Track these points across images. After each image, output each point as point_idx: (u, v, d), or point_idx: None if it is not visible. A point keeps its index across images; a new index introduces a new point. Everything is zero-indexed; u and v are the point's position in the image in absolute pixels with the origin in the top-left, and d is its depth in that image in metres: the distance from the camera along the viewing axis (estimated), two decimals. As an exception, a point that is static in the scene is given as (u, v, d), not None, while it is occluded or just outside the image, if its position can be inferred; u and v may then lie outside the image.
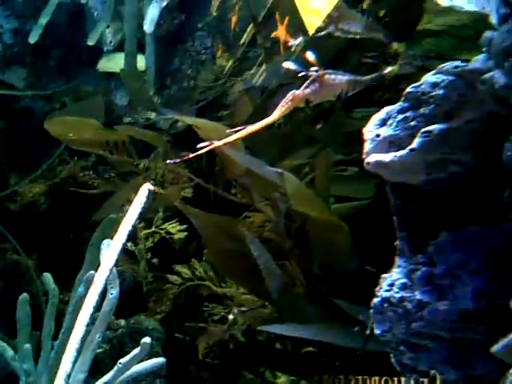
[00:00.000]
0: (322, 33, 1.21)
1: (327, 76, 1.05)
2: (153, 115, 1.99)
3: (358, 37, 1.22)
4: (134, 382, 1.59)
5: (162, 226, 2.06)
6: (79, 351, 1.11)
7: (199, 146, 1.09)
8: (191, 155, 1.09)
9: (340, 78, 1.06)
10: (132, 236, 1.27)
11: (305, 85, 1.05)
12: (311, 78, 1.04)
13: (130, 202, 2.03)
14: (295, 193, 1.57)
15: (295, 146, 1.77)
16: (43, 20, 1.79)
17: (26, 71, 2.05)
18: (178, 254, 2.09)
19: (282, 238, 1.72)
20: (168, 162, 1.14)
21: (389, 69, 1.09)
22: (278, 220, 1.71)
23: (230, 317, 1.29)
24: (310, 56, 1.06)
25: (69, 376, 1.07)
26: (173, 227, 2.05)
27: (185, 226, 2.02)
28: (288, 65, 1.09)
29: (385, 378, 1.01)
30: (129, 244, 1.95)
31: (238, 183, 1.85)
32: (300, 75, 1.05)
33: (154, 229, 2.06)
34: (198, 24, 1.98)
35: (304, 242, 1.70)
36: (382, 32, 1.18)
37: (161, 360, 1.53)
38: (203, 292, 2.06)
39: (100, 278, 1.16)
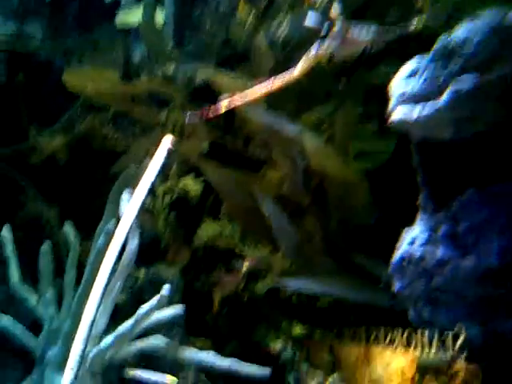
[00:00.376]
0: None
1: (352, 29, 1.02)
2: (171, 70, 1.97)
3: None
4: (154, 329, 1.63)
5: (179, 183, 2.07)
6: (102, 300, 1.13)
7: (221, 98, 1.06)
8: (211, 112, 1.07)
9: (365, 31, 1.03)
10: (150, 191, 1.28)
11: (328, 39, 1.02)
12: (335, 32, 1.01)
13: (148, 154, 2.06)
14: (314, 152, 1.55)
15: (314, 100, 1.75)
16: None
17: (44, 24, 2.02)
18: (195, 209, 2.10)
19: (300, 194, 1.72)
20: (189, 113, 1.11)
21: (414, 23, 1.05)
22: (297, 176, 1.71)
23: (244, 266, 1.30)
24: (336, 8, 1.02)
25: (93, 322, 1.10)
26: (189, 182, 2.06)
27: (201, 180, 2.02)
28: (311, 19, 1.04)
29: (408, 330, 1.02)
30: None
31: (257, 139, 1.84)
32: (323, 29, 1.01)
33: (170, 185, 2.07)
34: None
35: (322, 199, 1.70)
36: None
37: (180, 308, 1.55)
38: (220, 244, 2.09)
39: (121, 231, 1.17)
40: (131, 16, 1.93)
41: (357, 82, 1.50)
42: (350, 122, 1.59)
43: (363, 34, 1.02)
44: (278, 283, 1.62)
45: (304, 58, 1.04)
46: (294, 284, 1.61)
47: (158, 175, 1.26)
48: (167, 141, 1.26)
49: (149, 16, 1.75)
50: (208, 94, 1.93)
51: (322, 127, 1.69)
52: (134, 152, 1.99)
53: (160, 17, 1.82)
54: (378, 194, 1.57)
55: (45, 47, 2.07)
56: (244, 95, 1.07)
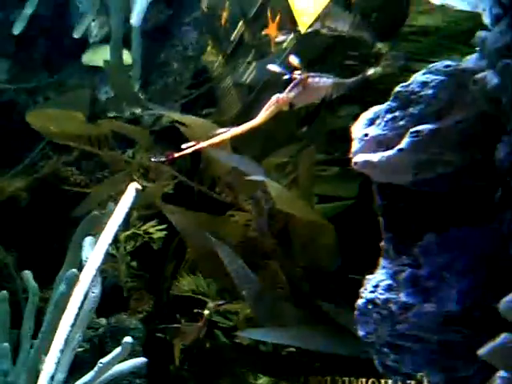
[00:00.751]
0: (309, 29, 1.20)
1: (311, 79, 1.06)
2: (138, 110, 1.97)
3: (343, 34, 1.22)
4: (115, 381, 1.57)
5: (142, 228, 2.04)
6: (63, 352, 1.08)
7: (184, 146, 1.08)
8: (176, 154, 1.08)
9: (324, 81, 1.07)
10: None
11: (289, 88, 1.05)
12: (295, 82, 1.05)
13: (111, 198, 2.03)
14: (278, 195, 1.56)
15: (278, 143, 1.77)
16: (28, 11, 1.76)
17: (9, 63, 2.01)
18: (158, 255, 2.07)
19: (265, 237, 1.71)
20: (153, 159, 1.12)
21: (372, 70, 1.09)
22: (261, 219, 1.70)
23: (206, 312, 1.27)
24: (294, 60, 1.06)
25: (52, 377, 1.05)
26: (152, 227, 2.03)
27: (164, 225, 2.01)
28: (273, 67, 1.09)
29: (372, 379, 1.00)
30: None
31: (222, 181, 1.84)
32: (285, 78, 1.05)
33: (133, 230, 2.04)
34: (185, 19, 1.97)
35: (287, 242, 1.69)
36: (368, 31, 1.17)
37: (141, 360, 1.52)
38: (182, 291, 2.05)
39: (86, 277, 1.14)
40: (99, 56, 1.93)
41: (319, 125, 1.52)
42: (312, 164, 1.61)
43: (322, 83, 1.06)
44: (241, 333, 1.60)
45: (266, 105, 1.06)
46: (256, 335, 1.59)
47: (123, 222, 1.24)
48: (133, 187, 1.25)
49: (116, 57, 1.76)
50: (174, 136, 1.93)
51: (285, 170, 1.70)
52: (96, 195, 1.96)
53: (127, 57, 1.83)
54: (343, 237, 1.57)
55: (10, 87, 2.05)
56: (208, 139, 1.09)
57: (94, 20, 1.80)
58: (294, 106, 1.05)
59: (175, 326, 1.29)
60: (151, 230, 2.03)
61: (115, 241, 1.92)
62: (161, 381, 1.94)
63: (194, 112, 1.93)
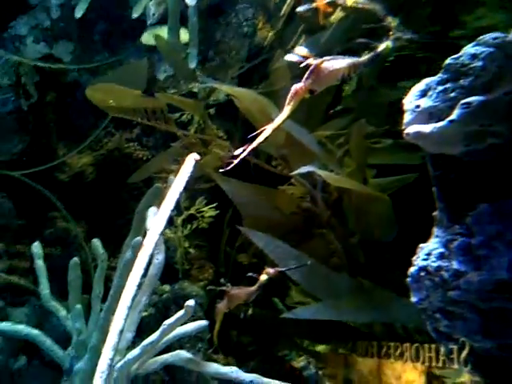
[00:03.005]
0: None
1: (325, 64, 1.05)
2: (195, 86, 2.01)
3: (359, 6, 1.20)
4: (178, 343, 1.66)
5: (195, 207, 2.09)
6: (130, 309, 1.16)
7: (238, 151, 1.09)
8: (249, 148, 1.08)
9: (338, 64, 1.06)
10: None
11: (305, 76, 1.06)
12: (310, 69, 1.05)
13: (166, 168, 2.11)
14: (328, 177, 1.57)
15: (329, 115, 1.77)
16: (89, -6, 1.82)
17: (72, 45, 2.10)
18: (214, 224, 2.13)
19: (320, 209, 1.73)
20: (234, 153, 1.11)
21: (383, 45, 1.07)
22: (315, 192, 1.72)
23: (263, 277, 1.28)
24: (302, 50, 1.06)
25: (121, 332, 1.13)
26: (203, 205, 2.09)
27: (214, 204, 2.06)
28: (291, 57, 1.08)
29: (416, 344, 1.03)
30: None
31: (278, 154, 1.86)
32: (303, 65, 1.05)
33: (186, 212, 2.10)
34: (239, -4, 1.98)
35: (342, 213, 1.71)
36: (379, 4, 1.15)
37: (203, 322, 1.58)
38: (243, 260, 2.11)
39: (149, 242, 1.21)
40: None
41: (369, 97, 1.52)
42: (363, 137, 1.60)
43: (337, 66, 1.05)
44: (288, 315, 1.60)
45: (288, 98, 1.07)
46: (305, 314, 1.59)
47: (182, 192, 1.29)
48: (192, 158, 1.29)
49: (173, 36, 1.80)
50: (229, 110, 1.97)
51: (336, 141, 1.71)
52: (151, 165, 2.04)
53: (185, 34, 1.87)
54: (400, 208, 1.57)
55: (73, 67, 2.14)
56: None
57: (151, 0, 1.85)
58: (315, 91, 1.05)
59: (223, 288, 1.32)
60: (203, 209, 2.08)
61: (171, 223, 2.00)
62: (222, 345, 2.02)
63: (250, 86, 1.95)
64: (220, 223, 2.15)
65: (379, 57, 1.04)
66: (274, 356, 2.08)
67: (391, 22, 1.03)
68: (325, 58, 1.05)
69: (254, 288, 1.28)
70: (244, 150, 1.06)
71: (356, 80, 1.70)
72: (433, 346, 0.97)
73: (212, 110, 2.08)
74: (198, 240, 2.19)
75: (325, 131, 1.77)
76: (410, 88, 0.92)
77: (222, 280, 1.30)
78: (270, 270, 1.28)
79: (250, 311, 1.38)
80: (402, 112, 0.93)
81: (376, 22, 1.08)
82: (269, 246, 1.57)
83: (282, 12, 1.56)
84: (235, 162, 1.07)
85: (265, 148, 1.82)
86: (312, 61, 1.04)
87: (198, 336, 1.85)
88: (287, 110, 1.06)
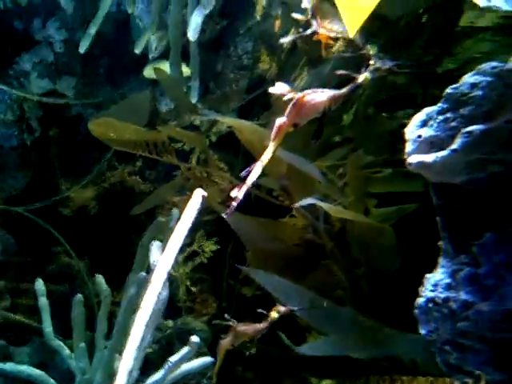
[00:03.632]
0: (308, 31, 1.20)
1: (306, 97, 1.06)
2: (196, 118, 2.03)
3: (339, 36, 1.21)
4: (182, 380, 1.63)
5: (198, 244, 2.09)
6: (139, 349, 1.14)
7: (234, 193, 1.08)
8: (243, 187, 1.08)
9: (319, 97, 1.06)
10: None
11: (287, 111, 1.06)
12: (292, 103, 1.05)
13: (169, 201, 2.11)
14: (329, 209, 1.56)
15: (328, 146, 1.78)
16: (92, 30, 1.85)
17: (75, 80, 2.13)
18: (217, 257, 2.12)
19: (323, 240, 1.72)
20: (233, 191, 1.11)
21: (362, 76, 1.08)
22: (318, 223, 1.71)
23: (273, 314, 1.26)
24: (283, 86, 1.07)
25: (130, 372, 1.11)
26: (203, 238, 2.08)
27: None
28: (275, 89, 1.09)
29: (430, 378, 1.01)
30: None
31: (278, 185, 1.86)
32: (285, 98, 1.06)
33: (189, 249, 2.09)
34: (240, 29, 2.01)
35: (345, 244, 1.70)
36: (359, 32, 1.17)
37: (208, 359, 1.57)
38: (247, 293, 2.09)
39: (157, 280, 1.19)
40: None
41: (368, 127, 1.53)
42: (360, 167, 1.60)
43: (319, 99, 1.06)
44: (298, 349, 1.58)
45: (272, 134, 1.07)
46: (313, 351, 1.57)
47: (190, 227, 1.27)
48: (199, 193, 1.28)
49: (175, 70, 1.83)
50: (231, 143, 1.98)
51: (336, 171, 1.71)
52: (154, 197, 2.04)
53: (186, 68, 1.89)
54: (402, 237, 1.56)
55: (76, 102, 2.17)
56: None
57: (153, 35, 1.88)
58: (299, 125, 1.06)
59: (230, 324, 1.29)
60: (205, 244, 2.08)
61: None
62: (227, 381, 1.99)
63: (250, 118, 1.97)
64: (222, 255, 2.14)
65: (359, 87, 1.04)
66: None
67: (369, 50, 1.04)
68: (305, 91, 1.06)
69: (262, 325, 1.26)
70: (239, 191, 1.05)
71: (354, 110, 1.71)
72: (447, 379, 0.95)
73: (213, 141, 2.09)
74: (200, 273, 2.17)
75: (324, 162, 1.78)
76: (407, 117, 0.93)
77: (227, 316, 1.28)
78: (281, 308, 1.25)
79: (253, 350, 1.36)
80: (401, 141, 0.93)
81: (355, 51, 1.09)
82: (271, 283, 1.55)
83: (285, 44, 1.58)
84: (234, 204, 1.07)
85: (265, 182, 1.82)
86: (294, 95, 1.04)
87: (201, 372, 1.83)
88: (272, 145, 1.06)
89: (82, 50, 1.88)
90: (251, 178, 1.06)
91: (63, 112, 2.23)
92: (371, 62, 1.12)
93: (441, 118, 0.85)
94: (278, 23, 1.47)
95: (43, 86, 2.11)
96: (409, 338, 1.38)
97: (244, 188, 1.05)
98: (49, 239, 2.16)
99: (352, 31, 1.05)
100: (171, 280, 1.98)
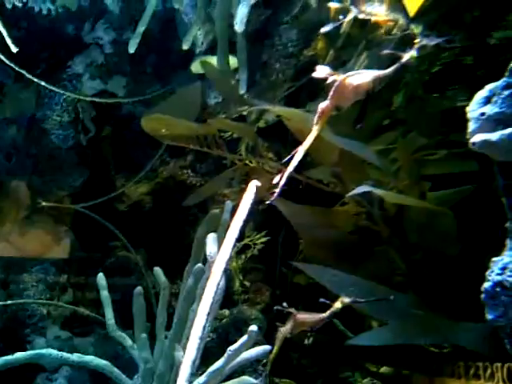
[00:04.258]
0: (347, 18, 1.17)
1: (349, 79, 1.04)
2: (244, 109, 2.04)
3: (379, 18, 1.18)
4: (240, 368, 1.65)
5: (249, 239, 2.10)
6: (202, 339, 1.16)
7: (276, 179, 1.09)
8: (285, 174, 1.09)
9: (362, 78, 1.04)
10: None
11: (330, 94, 1.05)
12: (334, 86, 1.03)
13: (220, 193, 2.13)
14: (385, 195, 1.54)
15: (378, 130, 1.74)
16: (140, 29, 1.88)
17: (125, 79, 2.17)
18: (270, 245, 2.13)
19: (378, 226, 1.70)
20: (276, 178, 1.12)
21: (407, 55, 1.04)
22: (373, 209, 1.69)
23: (337, 305, 1.25)
24: (323, 69, 1.05)
25: (194, 362, 1.13)
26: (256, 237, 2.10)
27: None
28: (318, 74, 1.07)
29: (508, 364, 0.97)
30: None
31: (331, 173, 1.85)
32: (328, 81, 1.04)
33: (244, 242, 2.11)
34: (283, 18, 2.00)
35: (402, 230, 1.67)
36: (402, 13, 1.13)
37: (267, 347, 1.57)
38: (301, 281, 2.09)
39: (217, 270, 1.20)
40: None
41: (421, 109, 1.49)
42: (413, 150, 1.56)
43: (362, 80, 1.04)
44: (352, 342, 1.56)
45: (315, 118, 1.07)
46: (366, 341, 1.54)
47: (245, 218, 1.28)
48: (253, 184, 1.29)
49: (223, 64, 1.83)
50: (279, 132, 1.98)
51: (389, 155, 1.68)
52: (204, 189, 2.07)
53: (233, 61, 1.89)
54: (462, 221, 1.52)
55: (127, 101, 2.22)
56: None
57: (199, 30, 1.89)
58: (342, 108, 1.05)
59: (292, 311, 1.29)
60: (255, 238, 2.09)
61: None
62: (282, 368, 2.00)
63: (298, 107, 1.96)
64: (274, 244, 2.14)
65: (404, 67, 1.01)
66: (337, 378, 2.04)
67: (414, 29, 1.01)
68: (348, 73, 1.04)
69: (324, 315, 1.25)
70: (281, 177, 1.06)
71: (403, 91, 1.67)
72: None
73: (261, 131, 2.09)
74: (253, 263, 2.19)
75: (375, 146, 1.75)
76: (460, 96, 0.90)
77: (285, 304, 1.28)
78: (346, 299, 1.24)
79: (311, 339, 1.35)
80: (454, 121, 0.90)
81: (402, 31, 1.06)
82: (324, 276, 1.54)
83: (342, 30, 1.55)
84: (277, 191, 1.07)
85: (316, 172, 1.81)
86: (336, 77, 1.03)
87: (258, 360, 1.84)
88: (315, 129, 1.06)
89: (131, 49, 1.91)
90: (293, 164, 1.06)
91: (115, 111, 2.29)
92: (416, 41, 1.08)
93: (506, 93, 0.82)
94: (333, 8, 1.45)
95: (95, 87, 2.17)
96: (470, 327, 1.34)
97: (286, 173, 1.06)
98: (107, 234, 2.23)
99: (413, 10, 1.02)
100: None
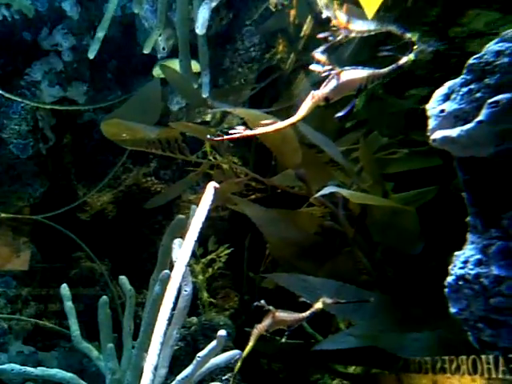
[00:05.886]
0: (338, 38, 1.20)
1: (344, 73, 1.07)
2: (207, 112, 2.03)
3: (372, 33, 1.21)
4: (209, 375, 1.63)
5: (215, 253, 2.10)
6: (163, 344, 1.15)
7: (232, 131, 1.13)
8: (228, 137, 1.13)
9: (358, 74, 1.07)
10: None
11: (324, 84, 1.07)
12: (330, 77, 1.06)
13: (186, 199, 2.11)
14: (350, 195, 1.56)
15: (342, 130, 1.77)
16: (100, 34, 1.85)
17: (86, 86, 2.13)
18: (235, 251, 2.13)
19: (343, 226, 1.71)
20: (208, 137, 1.16)
21: (404, 58, 1.08)
22: (337, 210, 1.71)
23: (318, 305, 1.25)
24: (320, 56, 1.07)
25: (156, 368, 1.11)
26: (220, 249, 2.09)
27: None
28: (315, 67, 1.09)
29: (472, 356, 0.99)
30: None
31: (295, 175, 1.85)
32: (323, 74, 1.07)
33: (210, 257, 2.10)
34: (245, 22, 2.01)
35: (366, 229, 1.69)
36: (395, 24, 1.16)
37: (236, 352, 1.55)
38: (269, 285, 2.09)
39: (177, 274, 1.19)
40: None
41: (381, 109, 1.51)
42: (374, 149, 1.59)
43: (356, 75, 1.07)
44: (318, 347, 1.57)
45: (304, 102, 1.09)
46: (331, 345, 1.55)
47: (205, 219, 1.28)
48: (211, 186, 1.29)
49: (185, 68, 1.82)
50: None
51: (352, 154, 1.70)
52: (166, 193, 2.04)
53: (195, 65, 1.88)
54: (423, 219, 1.55)
55: (88, 108, 2.17)
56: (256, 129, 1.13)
57: (160, 34, 1.88)
58: (330, 100, 1.07)
59: (271, 309, 1.28)
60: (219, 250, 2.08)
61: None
62: (252, 374, 1.99)
63: (262, 108, 1.96)
64: (241, 249, 2.14)
65: (400, 69, 1.04)
66: (307, 381, 2.04)
67: (412, 37, 1.04)
68: (346, 67, 1.06)
69: (304, 315, 1.25)
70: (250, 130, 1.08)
71: (364, 92, 1.70)
72: (490, 357, 0.93)
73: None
74: (220, 269, 2.18)
75: (339, 146, 1.77)
76: (420, 95, 0.91)
77: (263, 301, 1.27)
78: (327, 300, 1.25)
79: (284, 338, 1.35)
80: (414, 120, 0.92)
81: (396, 40, 1.09)
82: (292, 283, 1.55)
83: (302, 33, 1.57)
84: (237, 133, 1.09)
85: (281, 180, 1.82)
86: (332, 69, 1.05)
87: (228, 366, 1.82)
88: (301, 113, 1.08)
89: (91, 55, 1.88)
90: (269, 128, 1.08)
91: (75, 119, 2.24)
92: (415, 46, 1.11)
93: (464, 89, 0.84)
94: (292, 13, 1.46)
95: (54, 94, 2.12)
96: (437, 320, 1.36)
97: (259, 131, 1.08)
98: (70, 245, 2.17)
99: (371, 13, 1.05)
100: (193, 274, 1.99)
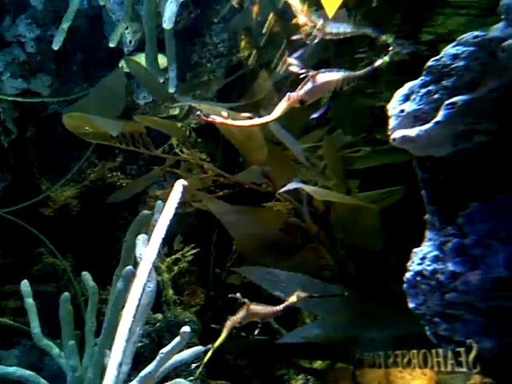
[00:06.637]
0: (315, 41, 1.22)
1: (320, 75, 1.09)
2: (176, 111, 2.02)
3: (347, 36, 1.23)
4: (174, 371, 1.63)
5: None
6: (128, 341, 1.14)
7: (201, 117, 1.14)
8: (210, 119, 1.14)
9: (333, 76, 1.09)
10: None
11: (299, 86, 1.09)
12: (305, 80, 1.08)
13: (152, 195, 2.09)
14: (313, 191, 1.58)
15: (307, 128, 1.78)
16: (65, 25, 1.81)
17: (50, 78, 2.09)
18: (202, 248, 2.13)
19: (307, 223, 1.73)
20: (197, 114, 1.17)
21: (379, 61, 1.11)
22: (302, 207, 1.72)
23: (292, 299, 1.27)
24: (293, 61, 1.09)
25: (120, 365, 1.10)
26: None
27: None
28: (293, 68, 1.11)
29: (423, 350, 1.02)
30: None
31: (261, 172, 1.86)
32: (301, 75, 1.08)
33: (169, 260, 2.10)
34: (213, 18, 2.00)
35: (329, 226, 1.71)
36: (370, 27, 1.19)
37: (199, 348, 1.56)
38: (235, 282, 2.09)
39: (142, 271, 1.18)
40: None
41: (345, 107, 1.54)
42: (336, 147, 1.61)
43: (331, 78, 1.09)
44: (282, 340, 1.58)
45: (279, 103, 1.11)
46: (297, 337, 1.57)
47: (172, 217, 1.27)
48: (180, 184, 1.28)
49: (152, 62, 1.80)
50: (211, 131, 1.97)
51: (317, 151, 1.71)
52: (129, 188, 2.02)
53: (162, 59, 1.87)
54: (384, 217, 1.58)
55: (52, 101, 2.13)
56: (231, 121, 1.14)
57: (127, 28, 1.86)
58: (305, 102, 1.09)
59: (246, 301, 1.29)
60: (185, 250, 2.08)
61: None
62: (218, 370, 1.99)
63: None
64: (207, 245, 2.13)
65: (375, 71, 1.06)
66: (273, 377, 2.05)
67: (387, 39, 1.06)
68: (321, 70, 1.08)
69: (278, 308, 1.27)
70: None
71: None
72: (440, 350, 0.96)
73: (193, 133, 2.08)
74: (188, 265, 2.17)
75: (304, 143, 1.78)
76: (384, 94, 0.93)
77: (238, 294, 1.28)
78: (302, 294, 1.27)
79: (257, 331, 1.36)
80: (378, 119, 0.94)
81: (369, 42, 1.11)
82: (259, 276, 1.56)
83: (263, 30, 1.58)
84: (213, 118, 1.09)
85: (247, 176, 1.82)
86: (308, 72, 1.06)
87: (194, 362, 1.82)
88: (276, 113, 1.10)
89: (55, 46, 1.84)
90: (244, 123, 1.09)
91: (39, 111, 2.20)
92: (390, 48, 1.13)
93: (423, 91, 0.86)
94: (255, 9, 1.46)
95: (17, 86, 2.07)
96: (398, 314, 1.39)
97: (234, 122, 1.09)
98: (32, 240, 2.13)
99: (331, 12, 1.06)
100: (157, 272, 1.98)
